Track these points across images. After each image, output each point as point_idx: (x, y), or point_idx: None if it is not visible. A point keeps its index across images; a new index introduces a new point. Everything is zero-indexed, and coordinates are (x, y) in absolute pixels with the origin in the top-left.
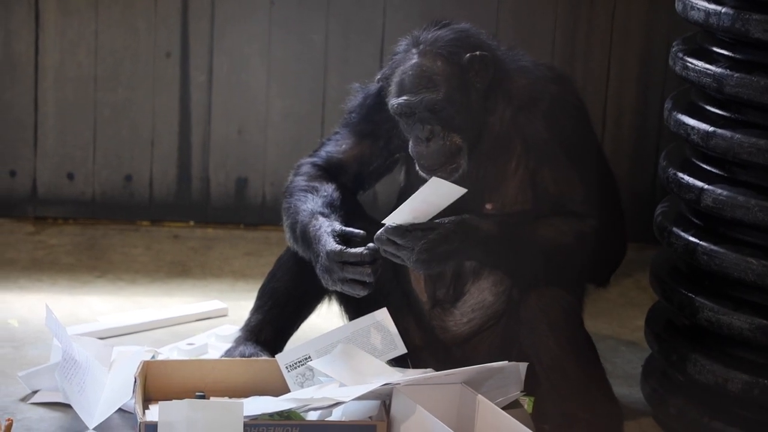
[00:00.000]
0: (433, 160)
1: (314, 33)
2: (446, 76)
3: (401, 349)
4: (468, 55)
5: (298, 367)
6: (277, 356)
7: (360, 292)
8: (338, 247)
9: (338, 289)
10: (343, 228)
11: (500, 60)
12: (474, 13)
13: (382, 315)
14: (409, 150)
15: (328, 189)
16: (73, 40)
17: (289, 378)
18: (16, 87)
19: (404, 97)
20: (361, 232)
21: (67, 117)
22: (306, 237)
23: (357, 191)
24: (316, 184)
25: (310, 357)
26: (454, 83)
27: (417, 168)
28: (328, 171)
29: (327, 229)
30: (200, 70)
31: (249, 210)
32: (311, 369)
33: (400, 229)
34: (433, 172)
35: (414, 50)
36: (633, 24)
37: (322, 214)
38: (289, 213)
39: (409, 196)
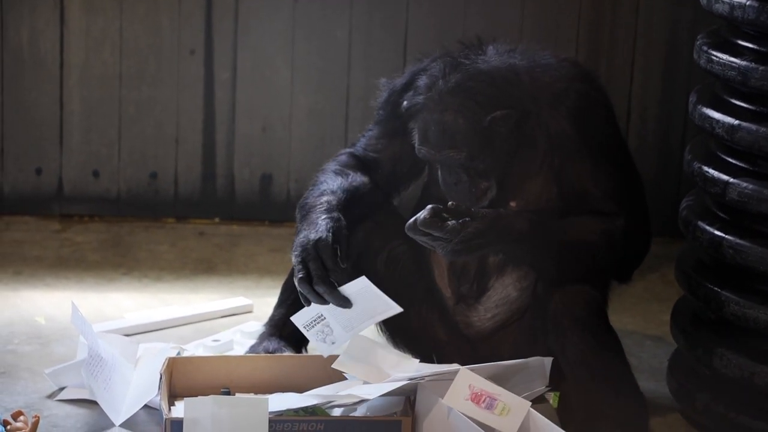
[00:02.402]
0: (461, 200)
1: (337, 29)
2: (468, 136)
3: (395, 307)
4: (489, 117)
5: (316, 325)
6: (292, 318)
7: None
8: (333, 264)
9: (295, 270)
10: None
11: (524, 109)
12: (498, 10)
13: (364, 282)
14: (439, 181)
15: (357, 177)
16: (98, 37)
17: (311, 336)
18: (42, 85)
19: (427, 149)
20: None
21: (92, 115)
22: (304, 208)
23: (390, 191)
24: (348, 171)
25: (322, 315)
26: (477, 141)
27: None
28: (364, 163)
29: (333, 223)
30: (224, 68)
31: (274, 207)
32: (329, 325)
33: (436, 223)
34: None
35: (436, 96)
36: (657, 18)
37: (333, 193)
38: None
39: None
